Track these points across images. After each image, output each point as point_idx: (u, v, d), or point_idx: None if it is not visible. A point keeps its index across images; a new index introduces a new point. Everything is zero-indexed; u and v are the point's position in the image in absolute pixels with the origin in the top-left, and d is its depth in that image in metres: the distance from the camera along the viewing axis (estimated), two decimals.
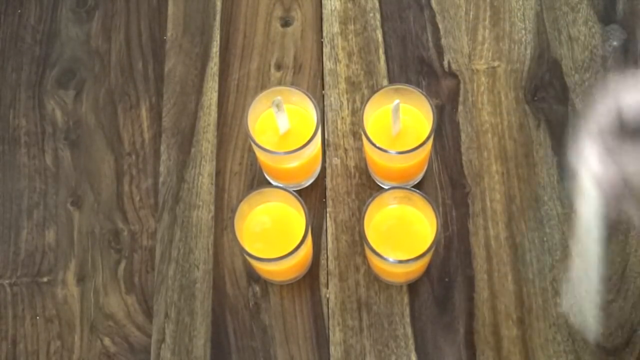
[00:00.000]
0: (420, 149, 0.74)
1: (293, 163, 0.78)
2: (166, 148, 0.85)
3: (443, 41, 0.88)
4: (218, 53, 0.89)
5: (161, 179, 0.84)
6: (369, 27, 0.89)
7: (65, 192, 0.85)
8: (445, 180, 0.82)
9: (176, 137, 0.86)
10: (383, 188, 0.80)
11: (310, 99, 0.76)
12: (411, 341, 0.77)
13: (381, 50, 0.88)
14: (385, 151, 0.74)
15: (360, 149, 0.84)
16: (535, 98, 0.85)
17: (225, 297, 0.80)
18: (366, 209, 0.73)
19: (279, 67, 0.88)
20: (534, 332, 0.77)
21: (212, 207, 0.83)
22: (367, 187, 0.83)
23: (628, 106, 0.55)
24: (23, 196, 0.85)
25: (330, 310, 0.79)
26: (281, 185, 0.81)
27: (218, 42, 0.89)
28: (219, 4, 0.91)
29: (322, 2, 0.90)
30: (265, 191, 0.75)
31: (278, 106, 0.75)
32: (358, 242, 0.81)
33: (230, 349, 0.78)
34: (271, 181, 0.83)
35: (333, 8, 0.90)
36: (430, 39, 0.88)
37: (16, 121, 0.88)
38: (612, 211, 0.56)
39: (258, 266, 0.76)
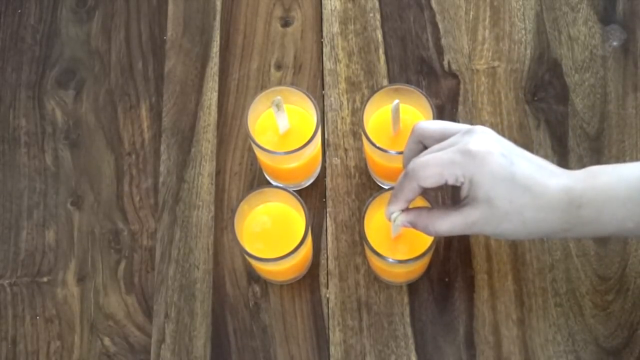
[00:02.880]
0: None
1: (293, 163, 0.78)
2: (166, 148, 0.85)
3: (443, 41, 0.88)
4: (218, 53, 0.89)
5: (161, 179, 0.84)
6: (369, 27, 0.89)
7: (65, 192, 0.85)
8: None
9: (176, 137, 0.86)
10: (383, 188, 0.80)
11: (310, 99, 0.76)
12: (411, 341, 0.77)
13: (381, 50, 0.88)
14: (385, 151, 0.74)
15: (360, 149, 0.84)
16: (535, 98, 0.85)
17: (225, 297, 0.80)
18: (366, 209, 0.73)
19: (279, 67, 0.88)
20: (534, 332, 0.77)
21: (212, 207, 0.83)
22: (367, 187, 0.83)
23: None
24: (23, 196, 0.85)
25: (330, 310, 0.79)
26: (281, 185, 0.81)
27: (218, 42, 0.89)
28: (219, 4, 0.91)
29: (322, 2, 0.90)
30: (265, 191, 0.75)
31: (278, 106, 0.75)
32: (358, 242, 0.81)
33: (230, 349, 0.78)
34: (271, 181, 0.83)
35: (333, 8, 0.90)
36: (430, 39, 0.88)
37: (16, 121, 0.88)
38: None
39: (258, 266, 0.76)
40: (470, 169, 0.63)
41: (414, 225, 0.68)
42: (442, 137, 0.67)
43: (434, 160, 0.64)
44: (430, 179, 0.64)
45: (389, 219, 0.69)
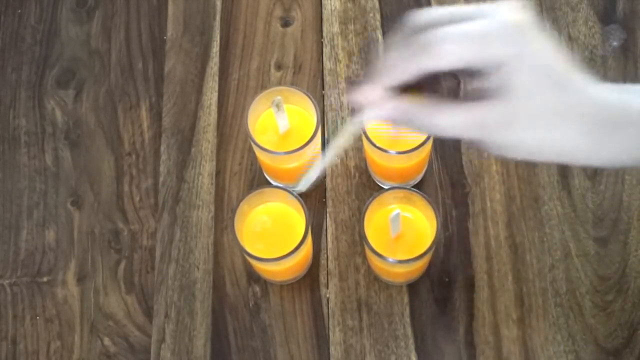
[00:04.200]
0: (420, 148, 0.74)
1: (293, 163, 0.78)
2: (166, 148, 0.86)
3: None
4: (218, 53, 0.89)
5: (161, 179, 0.84)
6: (369, 27, 0.89)
7: (65, 192, 0.85)
8: (445, 180, 0.82)
9: (176, 137, 0.86)
10: (383, 188, 0.80)
11: (310, 99, 0.76)
12: (411, 341, 0.77)
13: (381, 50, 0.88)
14: (385, 151, 0.74)
15: (360, 149, 0.84)
16: None
17: (225, 297, 0.80)
18: (366, 209, 0.73)
19: (279, 67, 0.88)
20: (534, 332, 0.77)
21: (212, 207, 0.83)
22: (367, 187, 0.83)
23: None
24: (23, 196, 0.85)
25: (330, 310, 0.79)
26: (281, 185, 0.81)
27: (218, 42, 0.89)
28: (219, 4, 0.91)
29: (322, 2, 0.90)
30: (265, 191, 0.75)
31: (278, 106, 0.75)
32: (358, 242, 0.81)
33: (230, 349, 0.78)
34: (271, 181, 0.83)
35: (333, 8, 0.90)
36: None
37: (16, 121, 0.88)
38: None
39: (258, 266, 0.76)
40: (512, 47, 0.46)
41: (398, 119, 0.49)
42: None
43: (460, 33, 0.46)
44: (448, 58, 0.46)
45: (356, 108, 0.50)
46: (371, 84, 0.47)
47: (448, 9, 0.49)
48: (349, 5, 0.90)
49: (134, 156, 0.85)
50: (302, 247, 0.72)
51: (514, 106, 0.48)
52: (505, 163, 0.82)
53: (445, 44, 0.46)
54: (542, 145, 0.50)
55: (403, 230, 0.75)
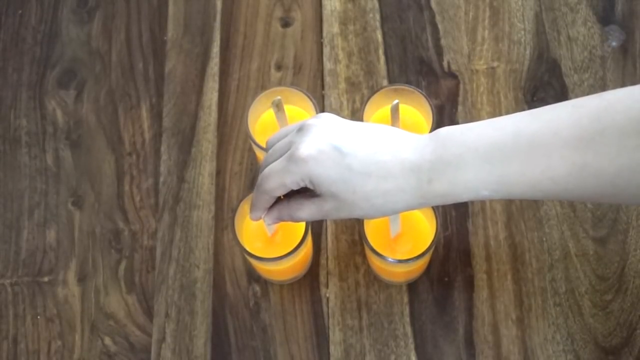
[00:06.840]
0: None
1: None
2: (166, 148, 0.86)
3: (443, 41, 0.88)
4: (218, 53, 0.89)
5: (161, 179, 0.85)
6: (368, 28, 0.89)
7: (66, 192, 0.85)
8: None
9: (176, 137, 0.86)
10: None
11: (310, 99, 0.77)
12: (411, 340, 0.78)
13: (381, 51, 0.88)
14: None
15: None
16: (535, 98, 0.85)
17: (225, 297, 0.80)
18: None
19: (279, 67, 0.88)
20: (533, 331, 0.77)
21: (213, 207, 0.83)
22: None
23: None
24: (24, 196, 0.85)
25: (330, 310, 0.79)
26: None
27: (218, 42, 0.90)
28: (219, 4, 0.91)
29: (322, 2, 0.91)
30: None
31: (278, 106, 0.75)
32: (358, 242, 0.81)
33: (231, 348, 0.78)
34: None
35: (333, 8, 0.90)
36: (429, 39, 0.88)
37: (17, 121, 0.88)
38: None
39: (258, 266, 0.76)
40: (305, 173, 0.62)
41: (280, 220, 0.67)
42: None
43: (272, 171, 0.64)
44: (277, 190, 0.64)
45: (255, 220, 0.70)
46: (256, 210, 0.67)
47: (278, 134, 0.68)
48: (349, 5, 0.90)
49: (134, 156, 0.86)
50: (302, 247, 0.72)
51: (333, 202, 0.63)
52: None
53: (265, 184, 0.64)
54: (381, 212, 0.63)
55: (403, 230, 0.75)
